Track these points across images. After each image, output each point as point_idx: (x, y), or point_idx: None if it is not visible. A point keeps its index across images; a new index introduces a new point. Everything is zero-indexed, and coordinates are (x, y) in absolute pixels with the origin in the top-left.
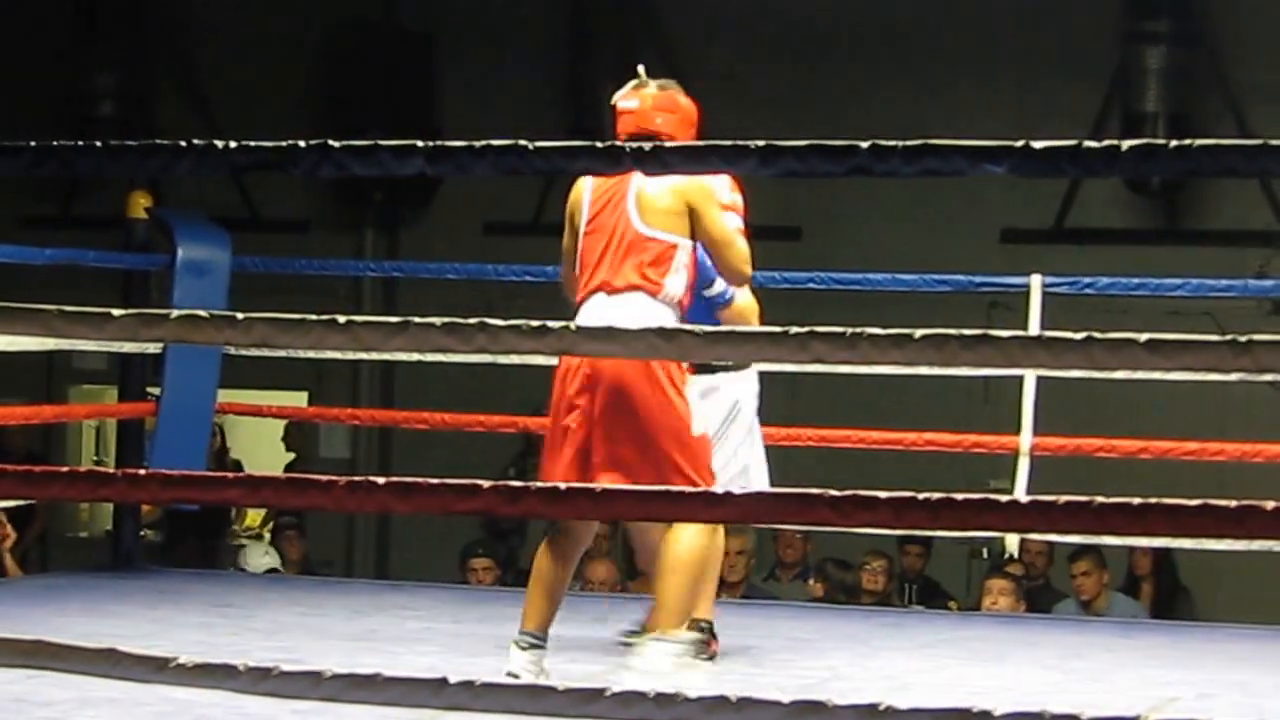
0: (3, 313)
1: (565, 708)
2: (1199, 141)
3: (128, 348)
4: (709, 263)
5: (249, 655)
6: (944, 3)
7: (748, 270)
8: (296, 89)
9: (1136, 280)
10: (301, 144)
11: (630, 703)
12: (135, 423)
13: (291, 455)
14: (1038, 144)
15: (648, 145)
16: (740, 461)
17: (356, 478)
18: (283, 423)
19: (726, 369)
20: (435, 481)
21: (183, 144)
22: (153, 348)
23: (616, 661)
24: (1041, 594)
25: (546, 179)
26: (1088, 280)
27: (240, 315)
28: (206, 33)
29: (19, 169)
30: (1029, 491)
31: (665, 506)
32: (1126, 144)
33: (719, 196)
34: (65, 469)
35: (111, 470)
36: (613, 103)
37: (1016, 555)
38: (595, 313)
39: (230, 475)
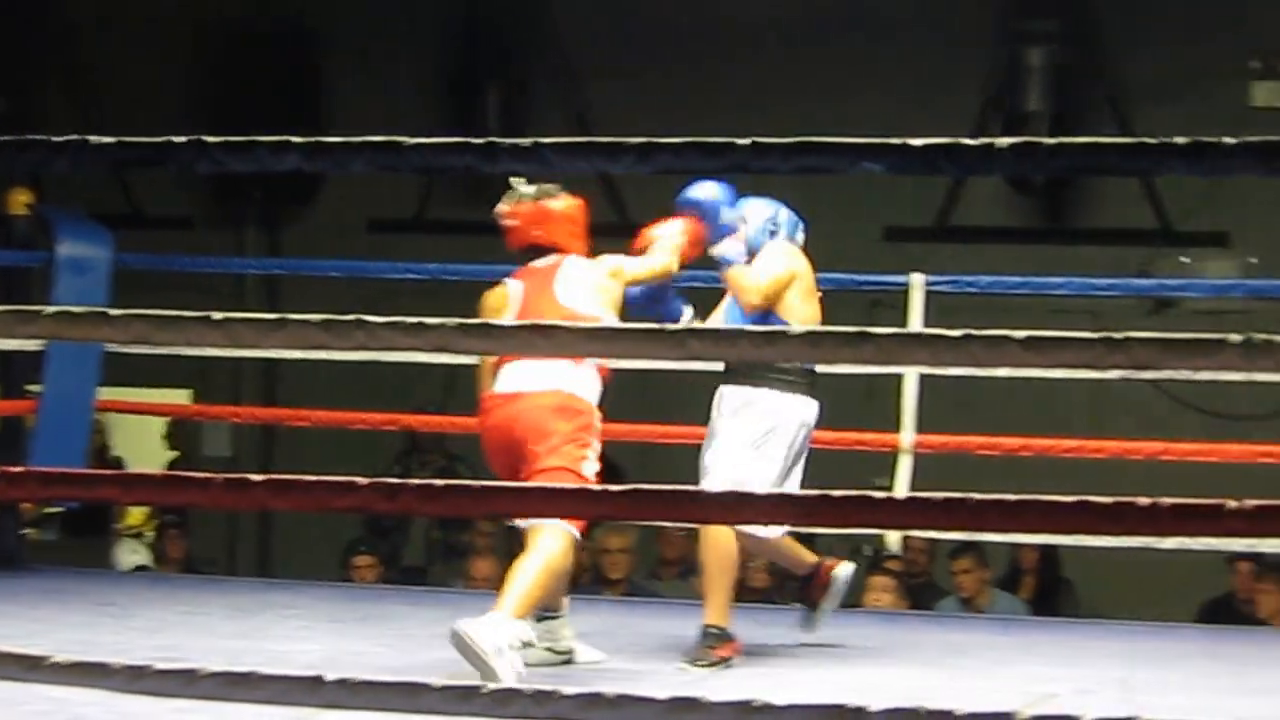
0: None
1: (442, 705)
2: (1075, 140)
3: (6, 345)
4: (715, 218)
5: (130, 653)
6: (833, 2)
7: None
8: (183, 86)
9: (1018, 279)
10: (178, 140)
11: (507, 700)
12: (14, 420)
13: (174, 453)
14: (916, 142)
15: (526, 142)
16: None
17: (233, 475)
18: (165, 421)
19: (760, 383)
20: (311, 479)
21: (59, 139)
22: (33, 345)
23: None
24: (923, 591)
25: (429, 176)
26: (969, 279)
27: (116, 312)
28: (94, 29)
29: None
30: (911, 489)
31: (543, 503)
32: (1003, 142)
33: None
34: None
35: None
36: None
37: (898, 553)
38: (512, 370)
39: (107, 473)
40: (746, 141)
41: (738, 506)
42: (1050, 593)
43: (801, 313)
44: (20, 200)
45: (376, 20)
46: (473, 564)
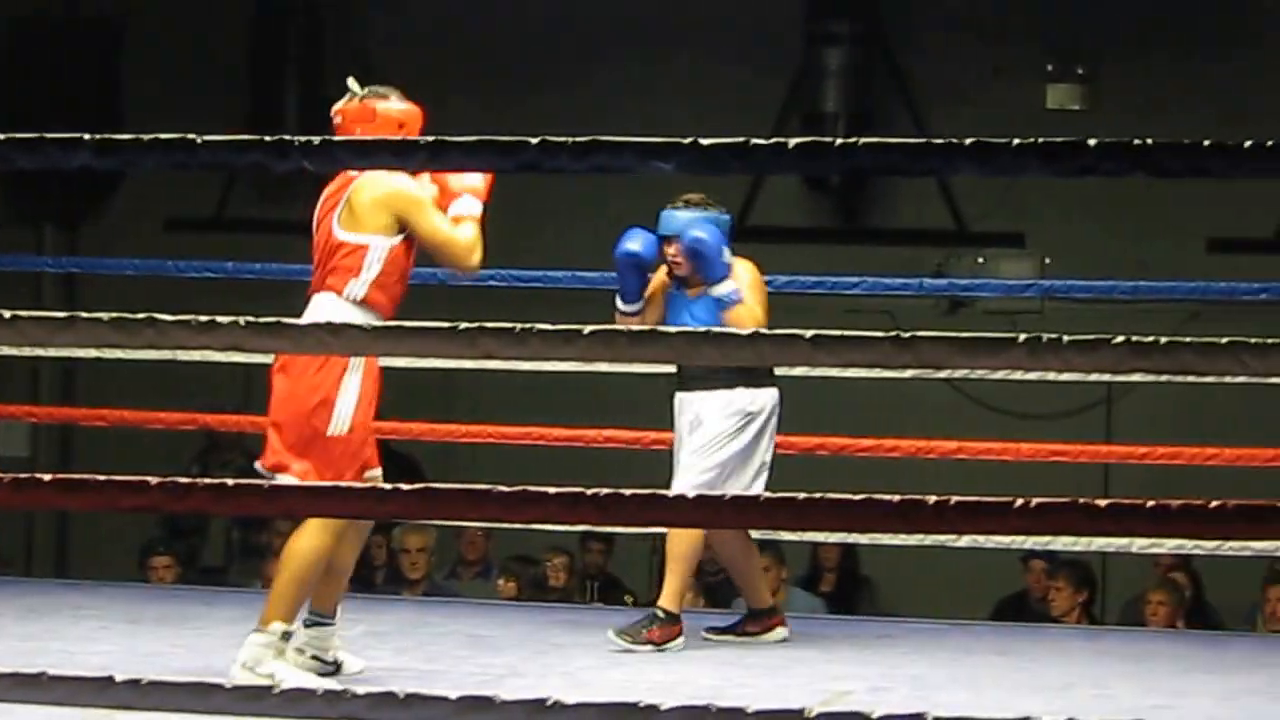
0: None
1: (232, 705)
2: (864, 140)
3: None
4: (719, 260)
5: None
6: (625, 5)
7: (470, 261)
8: None
9: (815, 278)
10: None
11: (298, 700)
12: None
13: None
14: (705, 141)
15: (317, 140)
16: (721, 473)
17: (22, 474)
18: None
19: (694, 387)
20: (102, 478)
21: None
22: None
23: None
24: (722, 590)
25: (229, 174)
26: (766, 278)
27: None
28: None
29: None
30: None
31: (334, 502)
32: (794, 141)
33: (421, 197)
34: None
35: None
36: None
37: None
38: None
39: None
40: (536, 140)
41: (524, 505)
42: (850, 591)
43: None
44: None
45: (176, 16)
46: (271, 564)
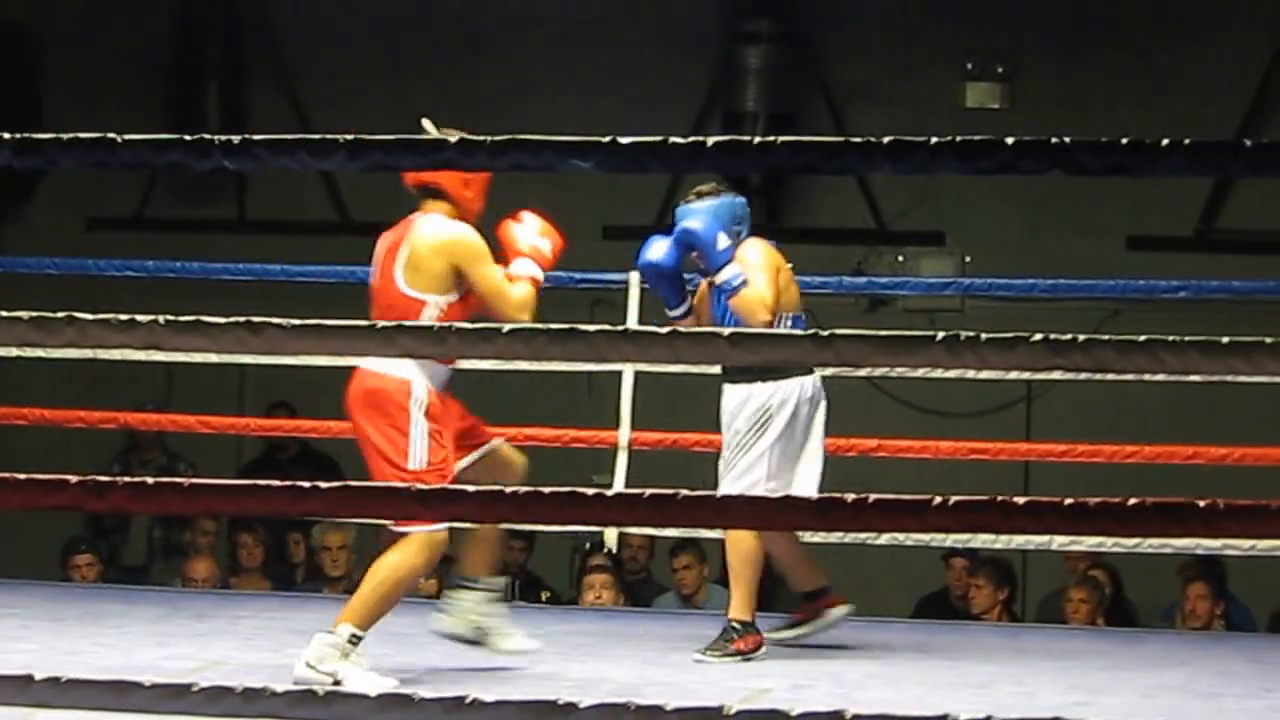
0: None
1: (151, 703)
2: (781, 139)
3: None
4: (716, 249)
5: None
6: (556, 1)
7: (521, 316)
8: None
9: None
10: None
11: (216, 698)
12: None
13: None
14: (623, 139)
15: (236, 139)
16: (757, 473)
17: None
18: None
19: (755, 379)
20: (21, 476)
21: None
22: None
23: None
24: (643, 587)
25: (150, 174)
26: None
27: None
28: None
29: None
30: (629, 485)
31: (252, 500)
32: (711, 140)
33: (481, 247)
34: None
35: None
36: None
37: (615, 549)
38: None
39: None
40: (455, 139)
41: (442, 503)
42: (770, 589)
43: (788, 301)
44: None
45: (96, 18)
46: (191, 564)
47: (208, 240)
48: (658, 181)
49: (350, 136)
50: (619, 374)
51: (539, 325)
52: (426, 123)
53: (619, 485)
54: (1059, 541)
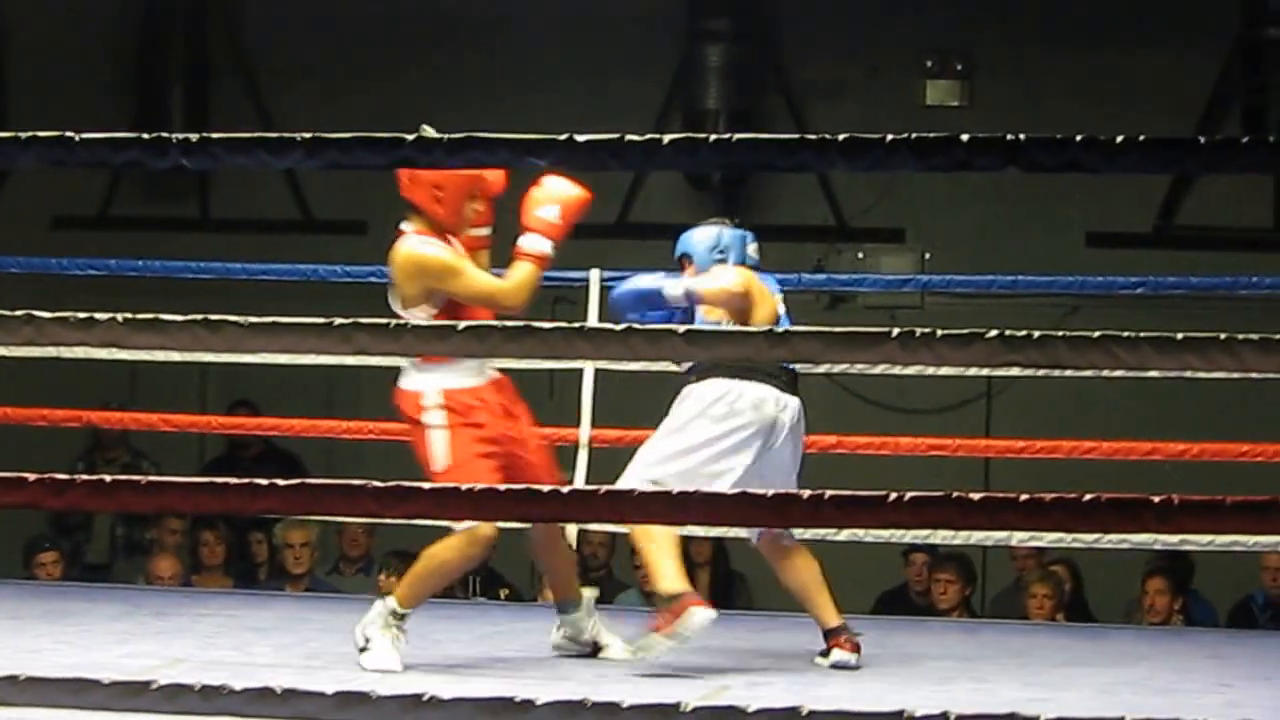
0: None
1: (110, 701)
2: (738, 136)
3: None
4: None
5: None
6: (518, 1)
7: (508, 304)
8: None
9: None
10: None
11: (174, 696)
12: None
13: None
14: (580, 137)
15: (194, 137)
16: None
17: None
18: None
19: (691, 377)
20: None
21: None
22: None
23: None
24: (603, 584)
25: (114, 173)
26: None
27: None
28: None
29: None
30: (588, 483)
31: (210, 498)
32: (668, 137)
33: (448, 262)
34: None
35: None
36: None
37: (575, 546)
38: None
39: None
40: (411, 137)
41: (398, 501)
42: (724, 587)
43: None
44: None
45: (59, 17)
46: (155, 562)
47: (172, 239)
48: (618, 181)
49: (308, 135)
50: (580, 372)
51: (494, 323)
52: (428, 129)
53: (579, 482)
54: (1019, 537)
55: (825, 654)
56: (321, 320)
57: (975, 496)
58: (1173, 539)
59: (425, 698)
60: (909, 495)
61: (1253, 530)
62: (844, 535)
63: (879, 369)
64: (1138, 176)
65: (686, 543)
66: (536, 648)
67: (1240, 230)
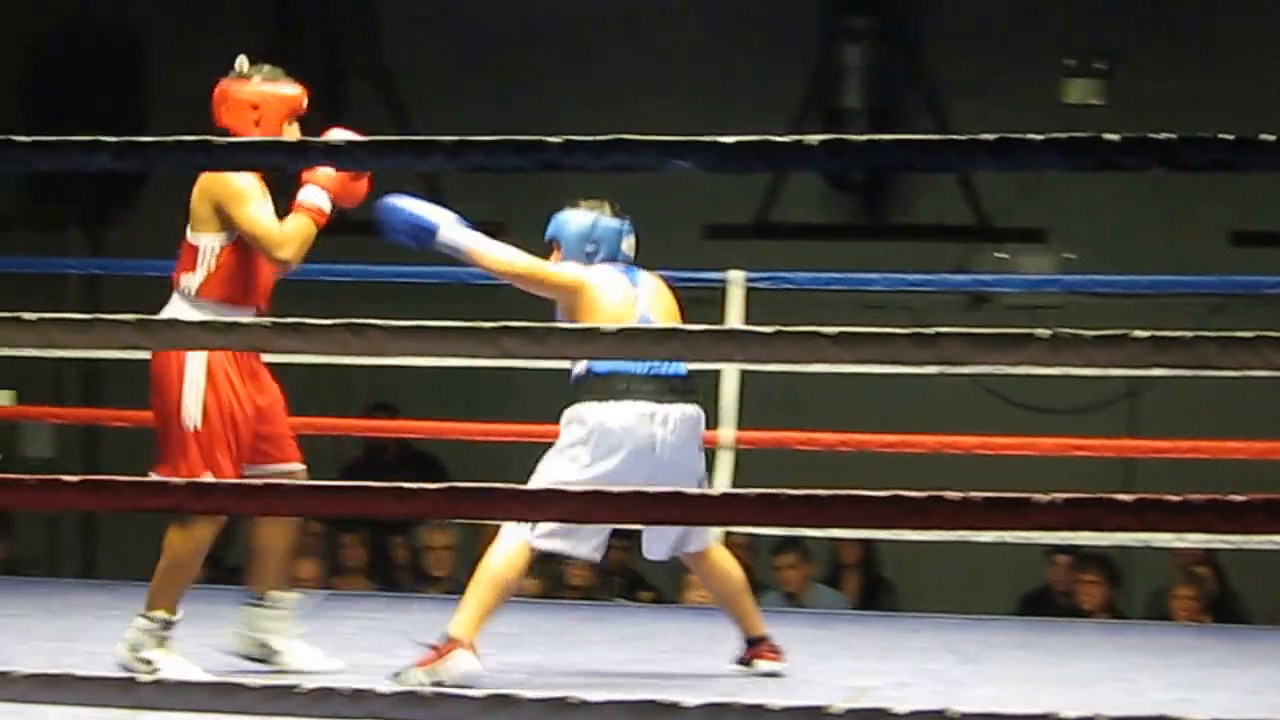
0: None
1: (256, 704)
2: (885, 137)
3: None
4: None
5: None
6: (653, 1)
7: (277, 254)
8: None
9: (836, 275)
10: None
11: (321, 699)
12: None
13: None
14: (726, 139)
15: (337, 140)
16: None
17: (46, 476)
18: None
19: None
20: (126, 479)
21: None
22: None
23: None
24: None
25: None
26: (788, 275)
27: None
28: None
29: None
30: (732, 485)
31: (354, 503)
32: (815, 139)
33: (240, 187)
34: None
35: None
36: None
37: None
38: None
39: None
40: (557, 140)
41: (544, 504)
42: (872, 590)
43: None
44: None
45: (196, 21)
46: (295, 564)
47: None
48: (758, 181)
49: (451, 138)
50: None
51: (637, 326)
52: (240, 60)
53: (723, 484)
54: (1163, 538)
55: (747, 663)
56: (467, 324)
57: (1123, 497)
58: None
59: (571, 700)
60: (1057, 496)
61: None
62: (988, 537)
63: (1021, 369)
64: None
65: (834, 546)
66: (681, 650)
67: None
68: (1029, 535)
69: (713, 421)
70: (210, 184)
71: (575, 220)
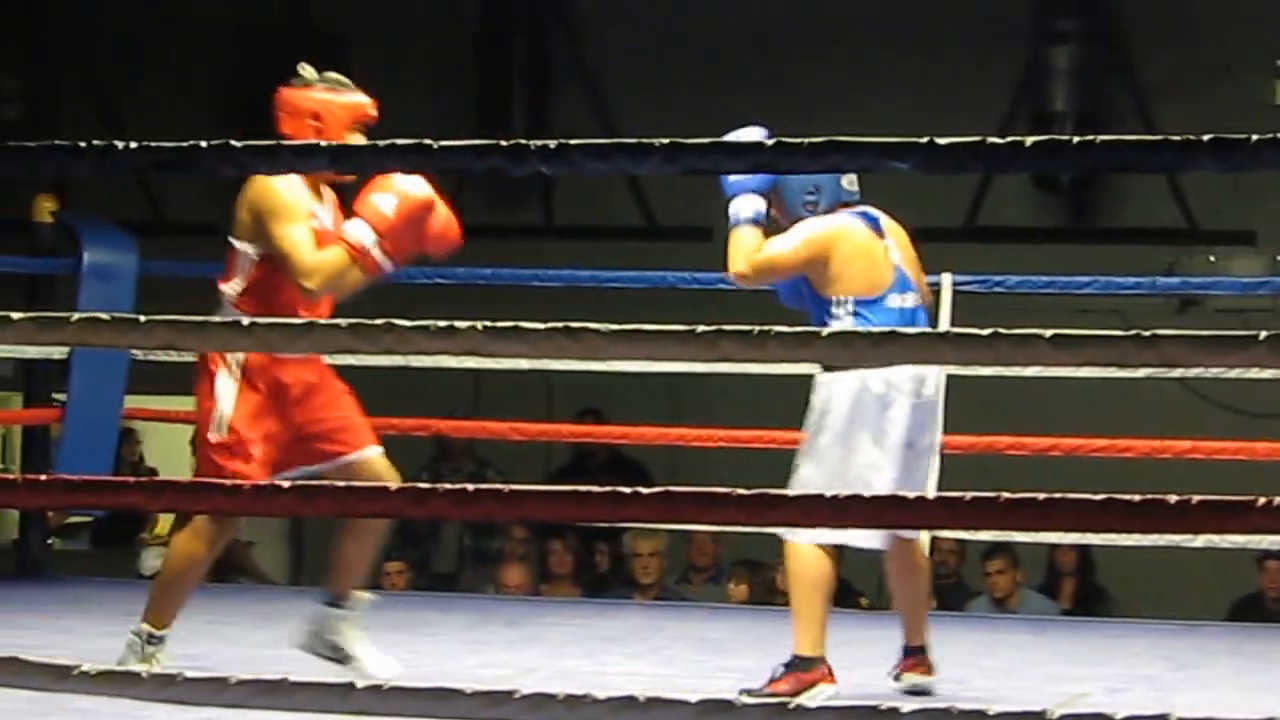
0: None
1: (473, 710)
2: (1101, 137)
3: (31, 353)
4: (728, 180)
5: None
6: (853, 4)
7: (303, 281)
8: (205, 91)
9: (1046, 278)
10: (203, 144)
11: (539, 705)
12: (40, 429)
13: None
14: (942, 141)
15: (553, 143)
16: (822, 471)
17: (261, 482)
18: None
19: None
20: (340, 485)
21: (82, 144)
22: (58, 353)
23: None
24: (953, 591)
25: (457, 180)
26: (998, 278)
27: (142, 318)
28: (113, 35)
29: None
30: (939, 489)
31: (572, 507)
32: (1030, 140)
33: (281, 202)
34: None
35: (12, 476)
36: None
37: (927, 553)
38: None
39: (132, 480)
40: (771, 142)
41: (765, 509)
42: (1088, 597)
43: (853, 282)
44: (45, 207)
45: (402, 23)
46: (503, 571)
47: (516, 245)
48: (965, 184)
49: (665, 140)
50: None
51: (859, 330)
52: (303, 66)
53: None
54: None
55: (898, 676)
56: (683, 327)
57: None
58: None
59: (790, 705)
60: (1276, 500)
61: None
62: (1200, 541)
63: (1234, 373)
64: None
65: (1051, 553)
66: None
67: None
68: (1242, 540)
69: None
70: (253, 191)
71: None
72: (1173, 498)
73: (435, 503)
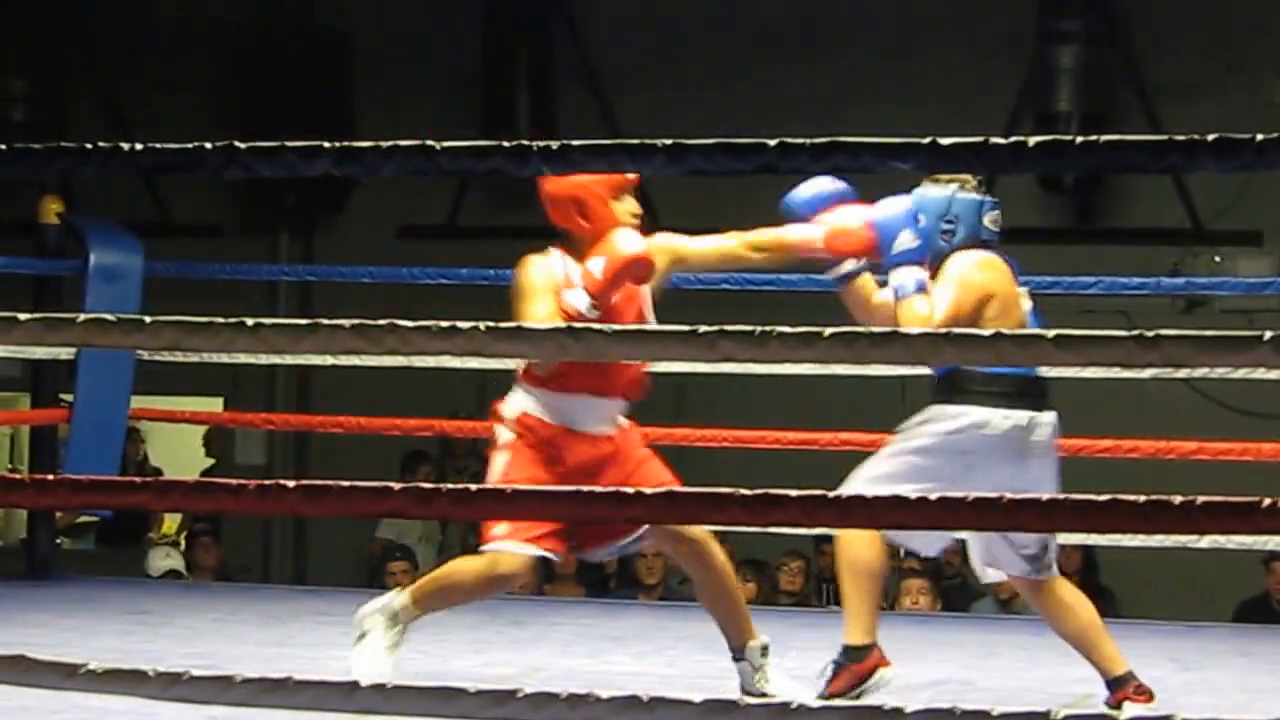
0: None
1: (478, 709)
2: (1105, 138)
3: (39, 354)
4: (891, 245)
5: (164, 661)
6: (855, 3)
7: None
8: (210, 91)
9: (1050, 279)
10: (208, 145)
11: (543, 704)
12: (48, 429)
13: (210, 461)
14: (945, 140)
15: (555, 144)
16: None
17: (266, 481)
18: (204, 429)
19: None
20: (345, 484)
21: (88, 146)
22: (65, 354)
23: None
24: (959, 593)
25: (460, 181)
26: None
27: (148, 319)
28: (118, 35)
29: None
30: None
31: (572, 507)
32: (1033, 140)
33: (530, 285)
34: None
35: (19, 476)
36: None
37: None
38: None
39: (139, 480)
40: (774, 143)
41: (768, 508)
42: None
43: (1003, 324)
44: (51, 209)
45: (406, 24)
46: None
47: (520, 247)
48: None
49: (669, 141)
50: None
51: (860, 329)
52: None
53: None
54: None
55: (1116, 706)
56: (685, 327)
57: None
58: None
59: (792, 705)
60: None
61: None
62: (1205, 542)
63: (1240, 374)
64: None
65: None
66: (898, 656)
67: None
68: (1248, 541)
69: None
70: (515, 285)
71: (929, 196)
72: (1178, 498)
73: (438, 503)
